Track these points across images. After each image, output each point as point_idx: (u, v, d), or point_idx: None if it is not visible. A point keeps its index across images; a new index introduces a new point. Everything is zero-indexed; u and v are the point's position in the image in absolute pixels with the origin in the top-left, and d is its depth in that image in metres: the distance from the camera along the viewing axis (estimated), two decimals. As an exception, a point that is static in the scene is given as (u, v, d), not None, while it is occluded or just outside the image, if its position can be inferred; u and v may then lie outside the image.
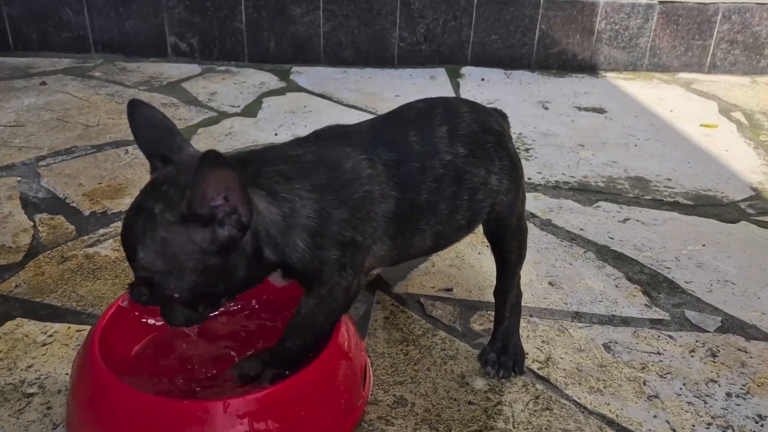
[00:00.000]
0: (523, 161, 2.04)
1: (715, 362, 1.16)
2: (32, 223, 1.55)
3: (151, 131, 0.87)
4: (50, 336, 1.17)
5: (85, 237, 1.50)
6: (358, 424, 0.98)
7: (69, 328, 1.19)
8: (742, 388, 1.09)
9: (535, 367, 1.13)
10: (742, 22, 2.94)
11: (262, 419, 0.85)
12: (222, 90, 2.57)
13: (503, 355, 1.10)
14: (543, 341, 1.19)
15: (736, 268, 1.45)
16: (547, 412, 1.03)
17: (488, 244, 1.15)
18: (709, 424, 1.01)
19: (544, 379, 1.10)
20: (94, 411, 0.89)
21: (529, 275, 1.38)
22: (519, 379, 1.10)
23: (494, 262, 1.14)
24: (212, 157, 0.74)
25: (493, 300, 1.22)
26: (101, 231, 1.53)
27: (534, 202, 1.73)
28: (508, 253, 1.10)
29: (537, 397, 1.06)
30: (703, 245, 1.55)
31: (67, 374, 1.07)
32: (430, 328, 1.22)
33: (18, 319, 1.21)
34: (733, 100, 2.64)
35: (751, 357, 1.17)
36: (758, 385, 1.10)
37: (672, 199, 1.78)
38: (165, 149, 0.86)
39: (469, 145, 1.01)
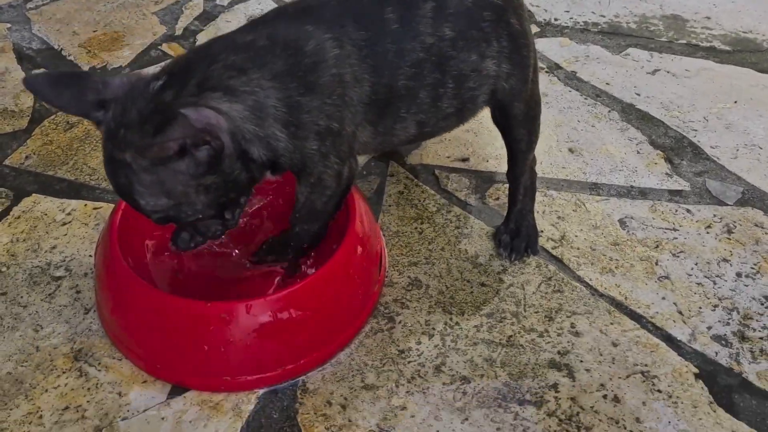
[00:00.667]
0: (550, -7, 1.88)
1: (729, 239, 1.16)
2: (31, 82, 1.49)
3: (66, 91, 0.80)
4: (68, 214, 1.18)
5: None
6: (375, 308, 1.02)
7: (86, 205, 1.20)
8: (752, 268, 1.11)
9: (549, 246, 1.14)
10: None
11: (283, 313, 0.89)
12: None
13: (516, 238, 1.10)
14: (559, 217, 1.19)
15: (766, 129, 1.39)
16: (558, 294, 1.06)
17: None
18: (716, 306, 1.04)
19: (557, 259, 1.11)
20: (120, 311, 0.93)
21: (548, 141, 1.34)
22: (532, 259, 1.11)
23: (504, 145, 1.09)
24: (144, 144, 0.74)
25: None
26: (103, 91, 1.47)
27: (560, 50, 1.62)
28: (516, 141, 1.05)
29: (549, 279, 1.08)
30: (735, 102, 1.47)
31: (90, 256, 1.09)
32: (444, 203, 1.21)
33: (34, 195, 1.21)
34: None
35: (766, 233, 1.17)
36: (770, 265, 1.12)
37: (708, 44, 1.65)
38: (93, 95, 0.79)
39: (459, 26, 0.90)
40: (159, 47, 1.61)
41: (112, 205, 1.18)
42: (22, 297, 1.03)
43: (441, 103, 0.94)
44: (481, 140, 1.35)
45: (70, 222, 1.16)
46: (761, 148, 1.35)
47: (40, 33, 1.64)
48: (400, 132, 0.96)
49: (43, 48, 1.60)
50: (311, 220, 0.97)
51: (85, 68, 1.53)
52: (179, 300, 0.89)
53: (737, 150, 1.34)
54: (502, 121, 1.03)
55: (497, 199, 1.23)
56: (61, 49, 1.59)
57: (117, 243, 0.93)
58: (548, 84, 1.50)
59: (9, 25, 1.67)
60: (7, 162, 1.28)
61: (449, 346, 0.98)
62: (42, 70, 1.53)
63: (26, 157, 1.29)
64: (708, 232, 1.17)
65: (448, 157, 1.31)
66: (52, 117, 1.39)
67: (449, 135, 1.36)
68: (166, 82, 0.78)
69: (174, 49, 1.61)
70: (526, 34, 0.98)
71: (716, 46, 1.65)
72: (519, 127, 1.03)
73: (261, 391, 0.91)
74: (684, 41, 1.67)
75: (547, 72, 1.55)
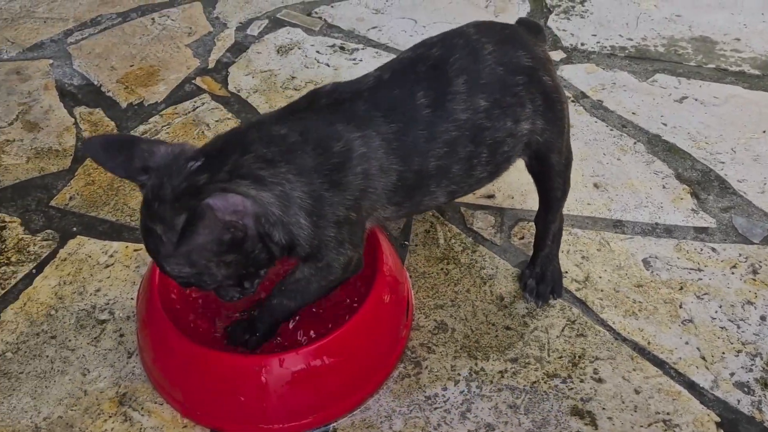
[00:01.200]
0: (576, 19, 1.87)
1: (755, 280, 1.16)
2: (73, 120, 1.56)
3: (117, 156, 0.86)
4: (111, 256, 1.24)
5: (126, 131, 1.51)
6: (403, 352, 1.06)
7: (127, 247, 1.26)
8: (777, 311, 1.11)
9: (573, 287, 1.16)
10: None
11: (315, 362, 0.93)
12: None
13: (542, 283, 1.13)
14: (583, 257, 1.21)
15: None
16: (582, 338, 1.08)
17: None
18: (739, 351, 1.06)
19: (581, 302, 1.14)
20: (162, 360, 0.99)
21: (574, 175, 1.33)
22: (557, 301, 1.14)
23: (537, 192, 1.11)
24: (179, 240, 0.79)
25: (534, 208, 1.22)
26: (141, 128, 1.53)
27: (586, 78, 1.63)
28: (553, 190, 1.07)
29: (573, 322, 1.11)
30: (764, 132, 1.46)
31: (131, 299, 1.15)
32: (470, 243, 1.24)
33: (78, 237, 1.28)
34: None
35: (795, 273, 1.17)
36: (795, 308, 1.12)
37: (737, 68, 1.64)
38: (139, 162, 0.85)
39: (493, 95, 0.93)
40: (193, 81, 1.67)
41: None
42: (70, 341, 1.09)
43: (474, 172, 0.97)
44: (506, 177, 1.36)
45: (112, 264, 1.23)
46: (790, 182, 1.34)
47: (80, 69, 1.71)
48: (428, 202, 0.99)
49: (84, 84, 1.66)
50: (296, 298, 0.97)
51: (123, 105, 1.59)
52: (217, 353, 0.94)
53: (765, 184, 1.34)
54: (538, 171, 1.05)
55: (522, 238, 1.25)
56: (101, 85, 1.66)
57: (157, 295, 0.99)
58: (574, 114, 1.51)
59: (51, 61, 1.74)
60: (53, 203, 1.35)
61: (474, 392, 1.01)
62: (84, 107, 1.59)
63: (70, 198, 1.36)
64: (733, 273, 1.18)
65: (474, 195, 1.34)
66: (94, 156, 1.46)
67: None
68: (202, 165, 0.83)
69: (207, 83, 1.66)
70: (557, 88, 1.00)
71: (746, 71, 1.64)
72: (556, 177, 1.05)
73: (294, 438, 0.95)
74: (713, 65, 1.66)
75: (573, 101, 1.56)
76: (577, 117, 1.51)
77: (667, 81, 1.61)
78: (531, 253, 1.19)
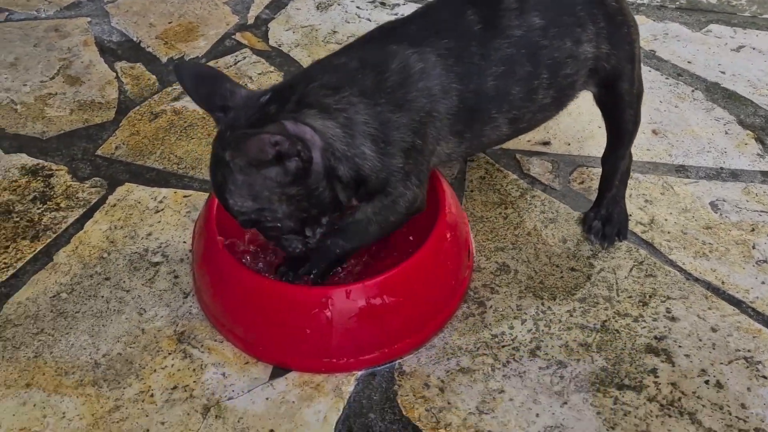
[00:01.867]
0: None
1: (829, 222, 1.12)
2: (114, 74, 1.54)
3: (202, 87, 0.88)
4: (161, 202, 1.22)
5: (169, 89, 1.48)
6: (465, 293, 1.02)
7: (176, 193, 1.23)
8: None
9: (638, 230, 1.12)
10: None
11: (379, 298, 0.90)
12: None
13: (608, 225, 1.09)
14: (646, 200, 1.17)
15: None
16: (651, 278, 1.04)
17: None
18: (819, 290, 1.01)
19: (648, 244, 1.10)
20: (222, 296, 0.96)
21: (631, 122, 1.31)
22: (622, 243, 1.10)
23: (605, 127, 1.07)
24: (242, 134, 0.78)
25: (592, 154, 1.19)
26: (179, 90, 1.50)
27: (636, 29, 1.58)
28: (624, 122, 1.03)
29: (641, 263, 1.07)
30: (829, 78, 1.41)
31: (184, 242, 1.13)
32: (527, 188, 1.21)
33: (127, 184, 1.26)
34: None
35: None
36: None
37: (795, 18, 1.59)
38: (220, 100, 0.87)
39: (548, 13, 0.90)
40: (233, 37, 1.64)
41: (201, 193, 1.22)
42: (124, 282, 1.07)
43: (536, 96, 0.93)
44: (561, 123, 1.33)
45: (162, 209, 1.20)
46: None
47: (118, 26, 1.69)
48: (490, 133, 0.95)
49: (123, 40, 1.64)
50: (353, 239, 0.92)
51: (163, 59, 1.57)
52: (281, 285, 0.92)
53: (832, 128, 1.29)
54: (608, 102, 1.02)
55: (581, 183, 1.21)
56: (140, 41, 1.64)
57: (216, 231, 0.96)
58: (627, 64, 1.47)
59: (89, 19, 1.72)
60: (99, 152, 1.33)
61: (543, 330, 0.97)
62: (124, 62, 1.57)
63: (116, 147, 1.34)
64: (806, 215, 1.13)
65: (529, 141, 1.30)
66: (137, 108, 1.44)
67: (529, 118, 1.34)
68: (271, 97, 0.85)
69: (248, 38, 1.63)
70: (623, 10, 0.96)
71: (804, 20, 1.58)
72: (627, 107, 1.01)
73: (360, 373, 0.93)
74: (768, 16, 1.60)
75: (624, 52, 1.51)
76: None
77: (722, 31, 1.56)
78: (592, 198, 1.15)
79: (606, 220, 1.10)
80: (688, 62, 1.47)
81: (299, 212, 0.86)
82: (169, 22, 1.70)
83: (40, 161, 1.30)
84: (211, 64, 1.55)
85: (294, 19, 1.69)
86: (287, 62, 1.55)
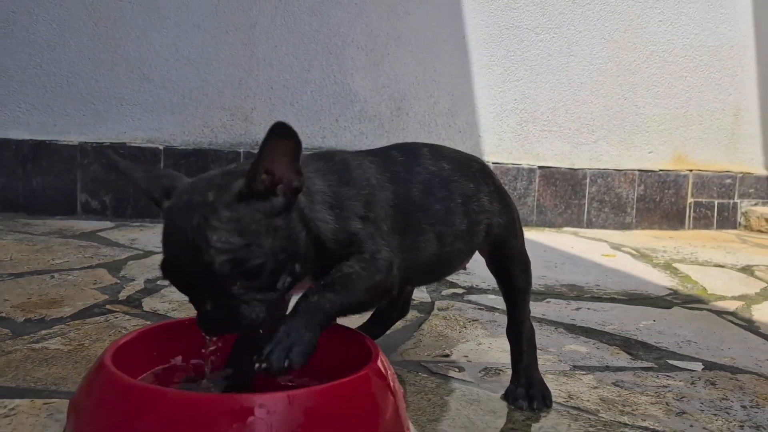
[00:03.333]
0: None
1: (716, 388, 1.20)
2: (-45, 328, 1.33)
3: (139, 171, 0.88)
4: (12, 409, 0.97)
5: (26, 336, 1.31)
6: (410, 451, 0.88)
7: (33, 401, 1.00)
8: (751, 402, 1.13)
9: (561, 400, 1.10)
10: (606, 184, 3.44)
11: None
12: (142, 237, 2.49)
13: (531, 389, 1.07)
14: (555, 384, 1.18)
15: (692, 332, 1.56)
16: (592, 428, 0.99)
17: (494, 279, 1.17)
18: (742, 425, 1.03)
19: (577, 408, 1.07)
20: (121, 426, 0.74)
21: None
22: (551, 410, 1.06)
23: (502, 297, 1.15)
24: (280, 126, 0.77)
25: (491, 361, 1.23)
26: (44, 331, 1.35)
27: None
28: (515, 278, 1.13)
29: (576, 420, 1.02)
30: (654, 321, 1.66)
31: (44, 438, 0.88)
32: (441, 381, 1.17)
33: (-37, 399, 1.00)
34: (618, 241, 2.99)
35: (744, 384, 1.23)
36: (765, 399, 1.15)
37: (609, 296, 1.92)
38: (167, 181, 0.86)
39: (454, 164, 1.08)
40: (104, 307, 1.56)
41: (65, 400, 1.00)
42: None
43: (453, 217, 1.03)
44: (452, 341, 1.37)
45: (14, 414, 0.95)
46: (696, 342, 1.49)
47: (-37, 302, 1.53)
48: (422, 246, 1.01)
49: (-33, 311, 1.48)
50: (342, 293, 0.85)
51: (20, 320, 1.42)
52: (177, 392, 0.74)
53: (679, 344, 1.47)
54: (499, 258, 1.12)
55: (492, 376, 1.21)
56: (-10, 310, 1.48)
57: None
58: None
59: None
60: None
61: (507, 470, 0.85)
62: (-32, 321, 1.39)
63: (-49, 374, 1.09)
64: (695, 386, 1.21)
65: (428, 354, 1.30)
66: (-16, 347, 1.23)
67: (421, 342, 1.38)
68: (236, 165, 0.88)
69: (119, 308, 1.56)
70: (505, 190, 1.16)
71: (616, 297, 1.91)
72: (517, 260, 1.12)
73: None
74: (588, 296, 1.92)
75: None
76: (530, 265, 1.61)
77: (559, 302, 1.82)
78: (506, 385, 1.14)
79: (528, 386, 1.08)
80: (542, 314, 1.66)
81: (281, 250, 0.81)
82: (28, 298, 1.58)
83: None
84: (77, 321, 1.43)
85: (171, 296, 1.67)
86: (164, 319, 1.47)
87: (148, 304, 1.60)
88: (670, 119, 3.53)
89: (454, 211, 1.04)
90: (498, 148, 3.30)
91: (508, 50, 3.28)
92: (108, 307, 1.55)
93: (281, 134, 0.77)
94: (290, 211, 0.83)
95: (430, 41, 3.17)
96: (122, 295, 1.66)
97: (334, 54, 3.06)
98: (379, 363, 0.87)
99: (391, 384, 0.87)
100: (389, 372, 0.89)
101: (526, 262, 1.15)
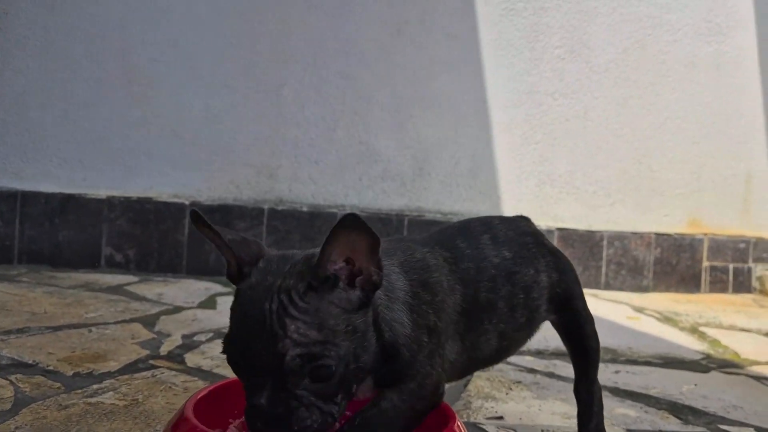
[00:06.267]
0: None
1: (775, 456, 1.20)
2: (8, 381, 1.33)
3: (227, 234, 0.85)
4: (84, 465, 0.96)
5: (79, 390, 1.31)
6: None
7: (103, 458, 0.99)
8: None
9: (625, 465, 1.10)
10: (623, 247, 3.47)
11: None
12: (168, 292, 2.50)
13: (602, 457, 1.07)
14: (616, 449, 1.18)
15: (736, 398, 1.56)
16: (664, 496, 0.99)
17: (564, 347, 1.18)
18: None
19: (641, 474, 1.07)
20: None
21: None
22: (617, 474, 1.06)
23: (571, 357, 1.16)
24: (351, 218, 0.76)
25: (545, 423, 1.23)
26: (95, 386, 1.35)
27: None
28: (587, 338, 1.14)
29: (645, 487, 1.02)
30: (695, 385, 1.66)
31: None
32: (503, 443, 1.17)
33: (32, 454, 0.99)
34: (639, 304, 2.99)
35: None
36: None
37: (645, 360, 1.92)
38: (255, 248, 0.84)
39: (513, 248, 1.08)
40: (148, 362, 1.56)
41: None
42: None
43: (516, 313, 1.04)
44: (501, 406, 1.37)
45: (87, 470, 0.95)
46: (742, 407, 1.49)
47: (9, 354, 1.54)
48: (484, 345, 1.01)
49: (14, 363, 1.48)
50: (384, 429, 0.83)
51: (69, 374, 1.42)
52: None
53: (726, 409, 1.47)
54: (568, 322, 1.13)
55: (550, 439, 1.20)
56: (37, 363, 1.48)
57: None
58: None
59: (-29, 349, 1.55)
60: (-8, 430, 1.07)
61: None
62: (19, 374, 1.39)
63: (15, 428, 1.09)
64: (753, 453, 1.20)
65: (483, 416, 1.30)
66: (41, 401, 1.23)
67: (470, 395, 1.37)
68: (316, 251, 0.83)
69: (163, 363, 1.56)
70: (559, 250, 1.18)
71: (652, 361, 1.91)
72: (585, 323, 1.14)
73: None
74: (624, 358, 1.92)
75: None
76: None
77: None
78: (566, 448, 1.14)
79: (598, 453, 1.08)
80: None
81: (354, 358, 0.79)
82: (72, 352, 1.58)
83: None
84: (125, 376, 1.43)
85: (211, 352, 1.67)
86: (211, 376, 1.48)
87: (191, 360, 1.60)
88: (685, 184, 3.60)
89: (516, 306, 1.04)
90: (516, 209, 3.35)
91: (528, 114, 3.37)
92: (152, 362, 1.55)
93: (356, 227, 0.76)
94: (368, 308, 0.81)
95: (453, 104, 3.26)
96: (162, 351, 1.66)
97: (359, 114, 3.15)
98: (456, 427, 0.88)
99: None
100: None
101: (593, 321, 1.16)
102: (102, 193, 2.89)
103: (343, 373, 0.78)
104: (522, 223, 1.19)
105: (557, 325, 1.16)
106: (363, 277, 0.80)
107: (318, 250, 0.82)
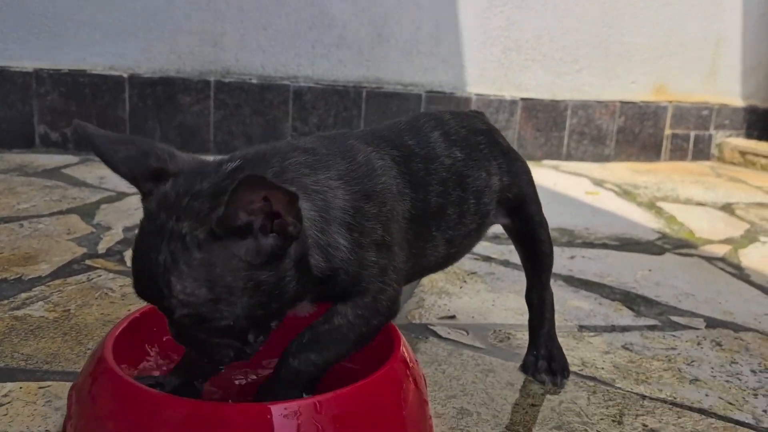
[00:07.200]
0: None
1: (723, 349, 1.20)
2: (-76, 293, 1.24)
3: (122, 149, 0.73)
4: (5, 396, 0.90)
5: (5, 301, 1.22)
6: (435, 436, 0.86)
7: (27, 385, 0.93)
8: (760, 366, 1.14)
9: (575, 368, 1.09)
10: (587, 116, 3.39)
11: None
12: (111, 174, 2.34)
13: (553, 362, 1.05)
14: (567, 349, 1.16)
15: (688, 283, 1.57)
16: (612, 401, 0.98)
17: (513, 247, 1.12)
18: (755, 393, 1.04)
19: (593, 378, 1.06)
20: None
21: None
22: (568, 380, 1.05)
23: (522, 262, 1.11)
24: (255, 178, 0.63)
25: (498, 321, 1.19)
26: (23, 295, 1.26)
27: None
28: (540, 243, 1.07)
29: (594, 392, 1.01)
30: (649, 270, 1.66)
31: (47, 431, 0.82)
32: (453, 348, 1.14)
33: (-53, 384, 0.92)
34: (599, 176, 2.97)
35: (748, 344, 1.24)
36: (771, 362, 1.16)
37: (600, 242, 1.91)
38: (155, 161, 0.72)
39: (465, 148, 0.99)
40: (83, 263, 1.46)
41: (63, 383, 0.94)
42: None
43: (465, 219, 0.96)
44: (455, 303, 1.34)
45: (9, 402, 0.88)
46: (694, 295, 1.49)
47: (-72, 258, 1.42)
48: (430, 253, 0.94)
49: (-66, 269, 1.37)
50: (331, 350, 0.77)
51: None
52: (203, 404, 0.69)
53: (678, 297, 1.47)
54: (520, 227, 1.06)
55: (501, 341, 1.18)
56: (-40, 268, 1.38)
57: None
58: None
59: None
60: None
61: (537, 456, 0.83)
62: (-63, 283, 1.29)
63: (-71, 352, 1.01)
64: (701, 347, 1.21)
65: (435, 315, 1.27)
66: (-40, 317, 1.14)
67: (424, 302, 1.34)
68: (241, 165, 0.72)
69: (101, 263, 1.47)
70: (513, 150, 1.08)
71: (608, 243, 1.90)
72: (539, 228, 1.07)
73: None
74: (580, 241, 1.90)
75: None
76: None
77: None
78: (517, 352, 1.12)
79: (549, 358, 1.06)
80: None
81: (259, 307, 0.70)
82: (0, 253, 1.48)
83: None
84: (58, 281, 1.34)
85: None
86: (152, 278, 1.39)
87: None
88: (653, 48, 3.46)
89: (466, 213, 0.96)
90: (481, 78, 3.19)
91: (494, -27, 3.11)
92: (88, 262, 1.46)
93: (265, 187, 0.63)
94: (280, 262, 0.70)
95: (413, -38, 2.97)
96: (101, 248, 1.57)
97: (310, -26, 2.85)
98: (402, 351, 0.83)
99: (415, 375, 0.83)
100: (412, 362, 0.84)
101: (546, 225, 1.10)
102: (27, 65, 2.62)
103: (246, 325, 0.70)
104: (475, 119, 1.08)
105: (509, 230, 1.09)
106: (280, 222, 0.67)
107: (233, 165, 0.72)
